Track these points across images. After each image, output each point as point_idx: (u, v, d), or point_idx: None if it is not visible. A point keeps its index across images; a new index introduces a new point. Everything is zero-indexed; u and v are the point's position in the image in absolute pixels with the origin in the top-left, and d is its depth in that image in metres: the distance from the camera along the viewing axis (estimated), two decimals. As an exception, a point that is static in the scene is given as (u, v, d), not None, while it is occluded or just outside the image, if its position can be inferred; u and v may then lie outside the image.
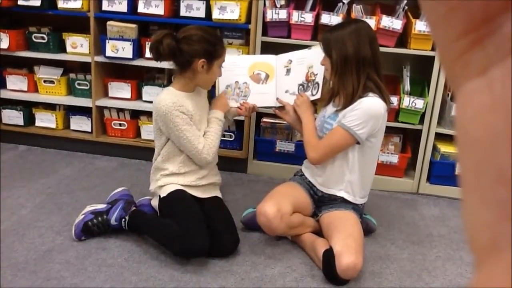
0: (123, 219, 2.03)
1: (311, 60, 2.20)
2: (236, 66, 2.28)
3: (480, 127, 0.16)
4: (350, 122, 1.89)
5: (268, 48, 2.57)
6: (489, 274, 0.16)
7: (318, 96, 2.20)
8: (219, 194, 2.20)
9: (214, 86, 2.24)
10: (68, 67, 3.05)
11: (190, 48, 1.93)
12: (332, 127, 1.97)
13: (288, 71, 2.28)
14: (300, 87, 2.25)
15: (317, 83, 2.20)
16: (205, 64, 1.95)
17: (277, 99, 2.27)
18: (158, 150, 2.10)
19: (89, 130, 3.00)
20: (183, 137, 1.98)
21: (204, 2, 2.64)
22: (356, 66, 1.89)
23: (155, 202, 2.13)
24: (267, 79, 2.29)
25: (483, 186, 0.16)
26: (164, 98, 1.97)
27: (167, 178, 2.07)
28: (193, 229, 1.90)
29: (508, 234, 0.15)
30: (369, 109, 1.88)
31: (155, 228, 2.00)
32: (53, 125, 3.04)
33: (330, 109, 2.04)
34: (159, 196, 2.07)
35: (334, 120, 1.97)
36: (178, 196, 2.03)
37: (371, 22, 2.46)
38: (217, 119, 2.12)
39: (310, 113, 2.12)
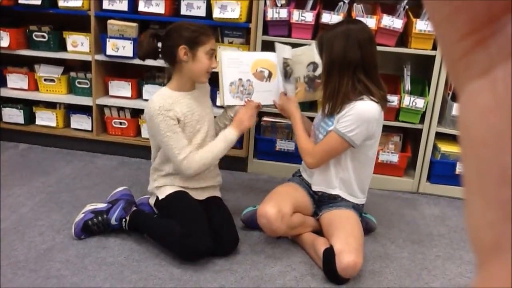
0: (124, 219, 2.03)
1: (310, 57, 2.18)
2: (239, 63, 2.25)
3: (483, 127, 0.16)
4: (344, 128, 1.88)
5: (269, 47, 2.56)
6: (491, 274, 0.16)
7: (321, 94, 2.18)
8: (218, 194, 2.19)
9: (215, 81, 2.23)
10: (68, 66, 3.05)
11: (170, 40, 1.93)
12: (327, 127, 1.97)
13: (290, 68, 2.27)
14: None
15: (319, 81, 2.19)
16: (187, 51, 1.90)
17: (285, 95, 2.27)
18: (154, 151, 2.09)
19: (90, 128, 3.00)
20: (165, 143, 1.94)
21: (205, 1, 2.63)
22: (341, 68, 1.87)
23: (152, 201, 2.13)
24: (270, 77, 2.28)
25: (486, 186, 0.16)
26: (152, 101, 1.95)
27: (164, 179, 2.06)
28: (196, 229, 1.89)
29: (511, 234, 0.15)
30: (362, 113, 1.87)
31: (157, 229, 1.99)
32: (54, 124, 3.04)
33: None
34: (157, 197, 2.07)
35: (330, 121, 1.96)
36: (178, 197, 2.03)
37: (372, 21, 2.46)
38: (225, 137, 2.02)
39: (296, 115, 2.08)
